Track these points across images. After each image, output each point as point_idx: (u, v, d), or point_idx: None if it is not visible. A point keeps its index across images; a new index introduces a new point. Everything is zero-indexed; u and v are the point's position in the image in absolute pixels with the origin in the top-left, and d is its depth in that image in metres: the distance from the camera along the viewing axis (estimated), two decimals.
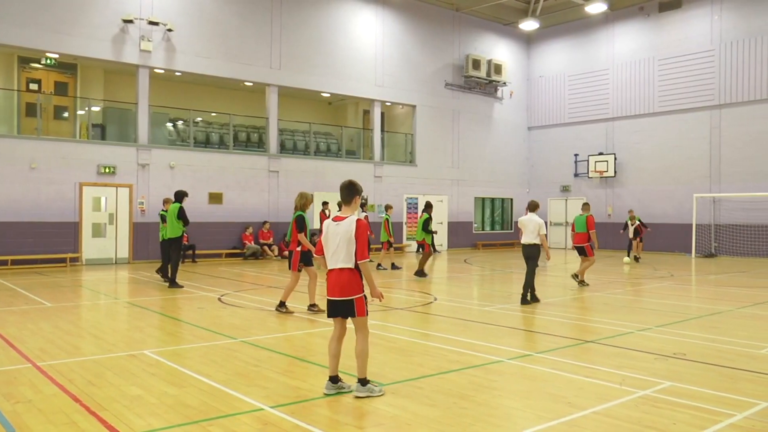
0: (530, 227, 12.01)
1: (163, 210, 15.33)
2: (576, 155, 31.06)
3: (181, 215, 14.11)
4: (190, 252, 21.48)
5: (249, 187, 23.54)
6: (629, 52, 29.29)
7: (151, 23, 21.16)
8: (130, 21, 20.82)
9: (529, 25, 30.36)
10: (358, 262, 5.84)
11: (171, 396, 5.90)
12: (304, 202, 10.66)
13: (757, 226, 24.92)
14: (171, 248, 14.37)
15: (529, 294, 12.14)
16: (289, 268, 10.95)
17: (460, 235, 29.86)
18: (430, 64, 29.26)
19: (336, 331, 6.05)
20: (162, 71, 22.28)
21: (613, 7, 29.02)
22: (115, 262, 20.72)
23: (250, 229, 23.06)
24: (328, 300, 5.96)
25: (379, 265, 19.41)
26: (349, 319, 6.00)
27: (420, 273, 16.85)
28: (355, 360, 5.93)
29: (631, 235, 22.79)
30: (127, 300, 12.80)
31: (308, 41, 25.14)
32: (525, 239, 12.12)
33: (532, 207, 12.48)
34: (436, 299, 13.05)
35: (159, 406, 5.61)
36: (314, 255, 6.27)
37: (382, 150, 28.01)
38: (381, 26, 27.44)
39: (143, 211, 21.10)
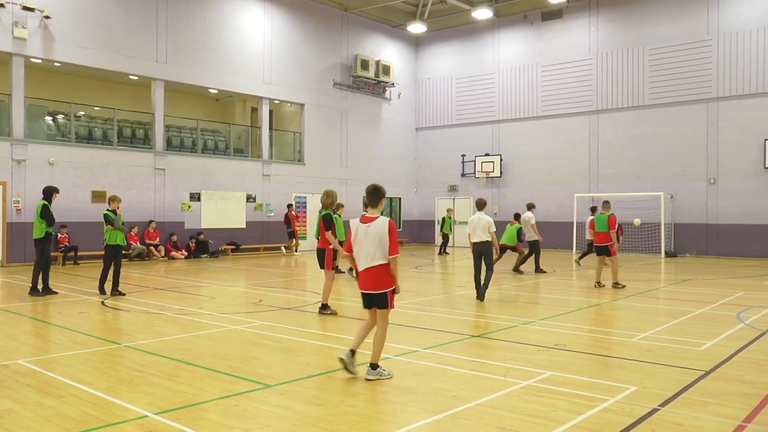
0: (481, 226, 12.15)
1: (108, 210, 13.56)
2: (463, 156, 31.91)
3: (44, 214, 12.85)
4: (72, 254, 20.49)
5: (134, 185, 22.64)
6: (514, 57, 30.40)
7: (26, 9, 19.86)
8: (1, 5, 19.47)
9: (416, 27, 30.90)
10: (391, 257, 6.42)
11: (48, 408, 5.60)
12: (330, 200, 10.94)
13: (631, 224, 26.44)
14: (36, 250, 13.12)
15: (480, 288, 12.28)
16: (321, 268, 10.87)
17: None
18: (319, 63, 29.20)
19: (370, 320, 6.67)
20: (39, 61, 21.01)
21: (498, 14, 30.01)
22: None
23: (136, 229, 22.22)
24: (364, 293, 6.56)
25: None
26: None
27: (517, 269, 18.19)
28: (372, 346, 6.51)
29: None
30: None
31: (195, 35, 24.49)
32: (476, 238, 12.22)
33: (480, 205, 12.53)
34: None
35: (34, 419, 5.31)
36: (344, 252, 6.89)
37: (271, 148, 27.68)
38: (269, 23, 27.13)
39: (19, 210, 19.88)
